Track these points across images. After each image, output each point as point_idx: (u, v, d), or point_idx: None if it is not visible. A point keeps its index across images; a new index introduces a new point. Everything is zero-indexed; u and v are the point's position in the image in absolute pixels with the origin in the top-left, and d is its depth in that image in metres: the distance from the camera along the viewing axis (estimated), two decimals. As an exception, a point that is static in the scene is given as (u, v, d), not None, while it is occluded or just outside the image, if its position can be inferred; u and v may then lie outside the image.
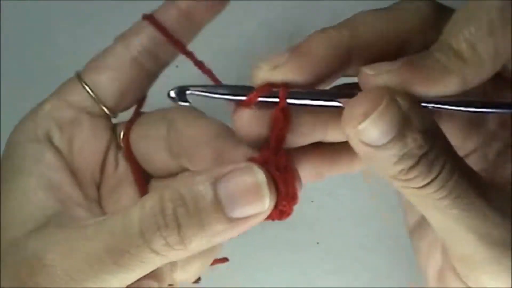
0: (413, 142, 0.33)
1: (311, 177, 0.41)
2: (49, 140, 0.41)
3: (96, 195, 0.44)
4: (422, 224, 0.46)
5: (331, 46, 0.36)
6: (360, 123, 0.33)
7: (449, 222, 0.35)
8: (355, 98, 0.34)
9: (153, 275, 0.43)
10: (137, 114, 0.45)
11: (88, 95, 0.43)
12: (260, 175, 0.35)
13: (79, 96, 0.43)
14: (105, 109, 0.43)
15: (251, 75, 0.36)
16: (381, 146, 0.33)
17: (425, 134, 0.33)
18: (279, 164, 0.36)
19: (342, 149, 0.41)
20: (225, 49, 0.69)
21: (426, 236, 0.45)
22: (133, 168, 0.44)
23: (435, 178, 0.33)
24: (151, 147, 0.43)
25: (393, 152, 0.33)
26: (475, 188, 0.34)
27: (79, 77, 0.43)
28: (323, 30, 0.37)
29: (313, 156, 0.41)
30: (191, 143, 0.41)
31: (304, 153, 0.40)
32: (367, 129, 0.32)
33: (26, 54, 0.65)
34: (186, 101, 0.36)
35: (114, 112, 0.44)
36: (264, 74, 0.36)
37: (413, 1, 0.38)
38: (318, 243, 0.64)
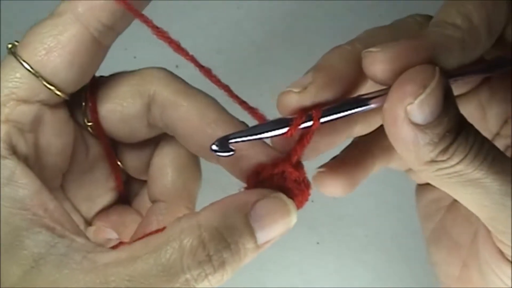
0: (454, 117, 0.33)
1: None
2: (14, 151, 0.36)
3: (60, 183, 0.42)
4: (439, 232, 0.46)
5: (351, 60, 0.36)
6: (411, 102, 0.32)
7: (490, 198, 0.35)
8: (402, 77, 0.33)
9: (116, 227, 0.44)
10: (93, 92, 0.41)
11: (44, 86, 0.37)
12: (290, 204, 0.36)
13: (33, 89, 0.37)
14: (64, 96, 0.38)
15: (279, 101, 0.36)
16: (427, 125, 0.32)
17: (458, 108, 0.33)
18: (299, 177, 0.37)
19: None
20: (224, 48, 0.69)
21: (445, 242, 0.45)
22: (105, 147, 0.42)
23: (471, 149, 0.33)
24: (125, 124, 0.41)
25: (438, 130, 0.32)
26: (507, 158, 0.35)
27: (28, 68, 0.37)
28: (338, 47, 0.37)
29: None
30: (182, 126, 0.40)
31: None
32: (419, 107, 0.32)
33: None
34: (231, 150, 0.36)
35: (70, 94, 0.39)
36: (295, 99, 0.35)
37: (414, 17, 0.39)
38: (318, 243, 0.64)
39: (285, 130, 0.35)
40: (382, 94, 0.35)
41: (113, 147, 0.43)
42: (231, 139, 0.35)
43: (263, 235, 0.35)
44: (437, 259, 0.46)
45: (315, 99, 0.35)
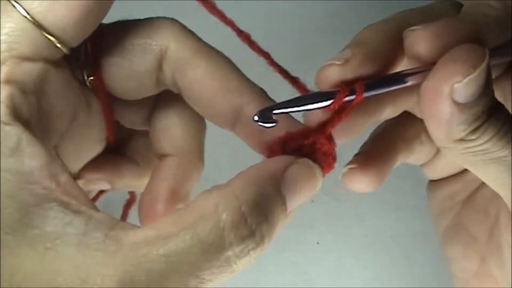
0: (491, 99, 0.33)
1: None
2: (17, 116, 0.32)
3: (55, 143, 0.37)
4: (455, 227, 0.45)
5: (387, 36, 0.36)
6: (460, 80, 0.32)
7: (510, 174, 0.35)
8: (450, 54, 0.33)
9: (109, 177, 0.43)
10: (96, 43, 0.37)
11: (48, 41, 0.33)
12: (317, 169, 0.35)
13: (36, 44, 0.33)
14: (67, 50, 0.34)
15: (319, 74, 0.35)
16: (466, 104, 0.32)
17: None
18: (330, 149, 0.36)
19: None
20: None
21: (462, 237, 0.44)
22: (104, 105, 0.39)
23: (500, 129, 0.33)
24: (131, 81, 0.37)
25: (474, 110, 0.32)
26: None
27: (31, 19, 0.32)
28: (372, 24, 0.37)
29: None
30: (198, 90, 0.37)
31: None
32: (466, 87, 0.32)
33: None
34: (274, 121, 0.34)
35: (72, 46, 0.35)
36: (337, 72, 0.34)
37: (443, 2, 0.39)
38: (318, 243, 0.64)
39: (328, 102, 0.34)
40: (419, 71, 0.34)
41: (112, 100, 0.40)
42: (275, 109, 0.34)
43: (293, 203, 0.33)
44: (453, 255, 0.45)
45: (356, 72, 0.34)
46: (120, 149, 0.44)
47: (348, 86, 0.34)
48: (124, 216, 0.50)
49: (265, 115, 0.34)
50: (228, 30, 0.37)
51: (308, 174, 0.35)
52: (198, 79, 0.37)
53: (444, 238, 0.46)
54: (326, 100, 0.34)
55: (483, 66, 0.32)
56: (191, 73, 0.37)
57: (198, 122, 0.41)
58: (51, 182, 0.30)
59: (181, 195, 0.41)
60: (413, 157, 0.43)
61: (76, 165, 0.41)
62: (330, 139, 0.36)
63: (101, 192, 0.45)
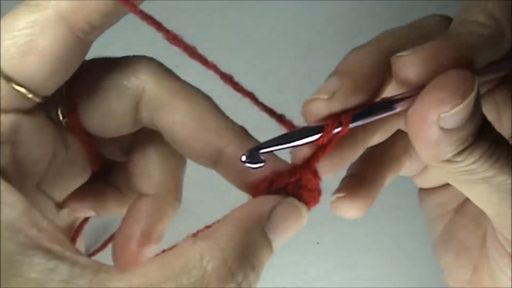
0: (478, 122, 0.32)
1: None
2: None
3: (35, 183, 0.37)
4: (447, 235, 0.45)
5: (375, 62, 0.35)
6: (446, 111, 0.31)
7: (498, 195, 0.34)
8: (437, 81, 0.32)
9: (93, 205, 0.42)
10: (70, 83, 0.36)
11: (19, 93, 0.33)
12: (302, 208, 0.35)
13: (7, 96, 0.32)
14: (40, 100, 0.34)
15: (305, 109, 0.34)
16: (453, 130, 0.32)
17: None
18: (315, 185, 0.36)
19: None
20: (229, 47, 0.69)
21: (454, 245, 0.44)
22: (83, 143, 0.38)
23: (487, 151, 0.33)
24: (107, 121, 0.37)
25: (461, 134, 0.32)
26: None
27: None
28: (359, 48, 0.36)
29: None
30: (177, 131, 0.36)
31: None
32: (453, 116, 0.31)
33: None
34: (262, 161, 0.34)
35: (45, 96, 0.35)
36: (323, 106, 0.34)
37: (432, 17, 0.38)
38: (318, 243, 0.64)
39: (317, 137, 0.34)
40: (407, 96, 0.34)
41: (90, 136, 0.39)
42: (262, 148, 0.34)
43: (278, 243, 0.34)
44: (446, 263, 0.45)
45: (344, 105, 0.34)
46: (104, 176, 0.44)
47: (336, 118, 0.34)
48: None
49: (253, 155, 0.34)
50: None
51: (294, 214, 0.35)
52: (176, 121, 0.36)
53: (437, 245, 0.46)
54: (314, 135, 0.34)
55: (472, 96, 0.31)
56: (169, 115, 0.36)
57: (177, 158, 0.41)
58: (32, 229, 0.30)
59: (154, 236, 0.41)
60: (403, 171, 0.42)
61: (60, 196, 0.41)
62: (315, 174, 0.36)
63: (87, 219, 0.45)
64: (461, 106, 0.31)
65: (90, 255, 0.55)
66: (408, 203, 0.66)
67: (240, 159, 0.34)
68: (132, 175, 0.41)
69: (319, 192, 0.36)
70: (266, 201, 0.34)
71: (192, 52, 0.35)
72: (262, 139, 0.35)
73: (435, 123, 0.31)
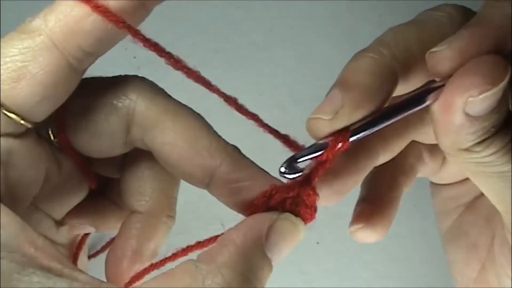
0: (504, 114, 0.32)
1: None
2: None
3: (30, 202, 0.37)
4: (457, 230, 0.45)
5: (379, 71, 0.34)
6: (475, 95, 0.30)
7: (510, 190, 0.34)
8: (469, 65, 0.31)
9: (92, 221, 0.42)
10: (62, 115, 0.36)
11: (10, 119, 0.32)
12: (300, 224, 0.35)
13: None
14: (32, 125, 0.34)
15: (309, 127, 0.34)
16: (478, 117, 0.31)
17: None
18: (314, 201, 0.36)
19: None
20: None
21: (463, 242, 0.44)
22: (76, 162, 0.38)
23: (506, 144, 0.32)
24: (98, 142, 0.36)
25: (485, 124, 0.31)
26: None
27: None
28: (362, 55, 0.34)
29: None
30: (168, 152, 0.36)
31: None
32: (480, 102, 0.31)
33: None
34: (300, 170, 0.34)
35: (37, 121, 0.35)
36: (327, 127, 0.34)
37: (441, 8, 0.36)
38: (318, 243, 0.64)
39: (321, 153, 0.34)
40: (408, 109, 0.34)
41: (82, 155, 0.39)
42: (299, 158, 0.34)
43: (277, 260, 0.34)
44: (454, 258, 0.45)
45: (347, 123, 0.34)
46: (103, 192, 0.43)
47: (340, 134, 0.34)
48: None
49: (291, 165, 0.34)
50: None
51: (292, 231, 0.35)
52: (167, 142, 0.36)
53: (446, 239, 0.46)
54: (320, 150, 0.34)
55: (502, 84, 0.31)
56: (159, 136, 0.36)
57: (170, 176, 0.40)
58: (30, 248, 0.30)
59: (146, 254, 0.40)
60: (420, 173, 0.42)
61: (59, 213, 0.41)
62: (314, 190, 0.35)
63: (87, 235, 0.44)
64: (490, 92, 0.30)
65: (91, 256, 0.55)
66: (408, 203, 0.65)
67: (279, 171, 0.34)
68: (124, 192, 0.40)
69: (315, 209, 0.36)
70: (264, 219, 0.34)
71: (196, 76, 0.35)
72: (261, 150, 0.35)
73: (461, 107, 0.31)
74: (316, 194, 0.35)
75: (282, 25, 0.71)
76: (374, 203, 0.39)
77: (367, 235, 0.39)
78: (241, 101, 0.36)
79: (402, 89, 0.35)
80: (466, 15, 0.36)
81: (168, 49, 0.34)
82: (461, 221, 0.44)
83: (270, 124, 0.37)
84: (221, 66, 0.67)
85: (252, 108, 0.37)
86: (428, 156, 0.41)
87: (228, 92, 0.36)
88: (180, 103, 0.37)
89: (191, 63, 0.35)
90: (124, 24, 0.31)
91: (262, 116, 0.37)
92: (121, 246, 0.40)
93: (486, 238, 0.42)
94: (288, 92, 0.67)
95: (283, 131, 0.37)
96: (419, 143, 0.40)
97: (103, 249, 0.56)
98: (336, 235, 0.64)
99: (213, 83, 0.35)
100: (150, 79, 0.37)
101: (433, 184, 0.46)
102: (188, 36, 0.69)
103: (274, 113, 0.65)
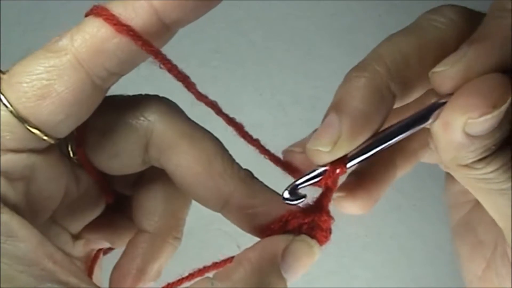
0: (505, 133, 0.31)
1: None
2: (4, 202, 0.32)
3: (48, 217, 0.38)
4: (465, 226, 0.44)
5: (376, 94, 0.33)
6: (474, 117, 0.30)
7: (510, 208, 0.34)
8: (470, 85, 0.31)
9: (107, 236, 0.43)
10: (83, 133, 0.37)
11: (33, 135, 0.33)
12: (316, 247, 0.36)
13: (22, 137, 0.33)
14: (54, 141, 0.34)
15: (310, 157, 0.35)
16: (478, 137, 0.31)
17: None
18: (327, 225, 0.37)
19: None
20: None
21: (469, 238, 0.43)
22: (94, 178, 0.39)
23: (507, 162, 0.32)
24: (116, 160, 0.37)
25: (486, 143, 0.31)
26: None
27: (17, 115, 0.32)
28: (357, 76, 0.34)
29: None
30: (183, 174, 0.36)
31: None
32: (480, 124, 0.30)
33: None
34: (302, 196, 0.35)
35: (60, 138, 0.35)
36: (329, 157, 0.34)
37: (441, 12, 0.35)
38: (318, 243, 0.64)
39: (318, 180, 0.35)
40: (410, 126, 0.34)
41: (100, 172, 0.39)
42: (300, 184, 0.35)
43: (292, 279, 0.34)
44: (461, 253, 0.45)
45: (346, 152, 0.34)
46: (119, 208, 0.44)
47: (337, 164, 0.34)
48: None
49: (294, 192, 0.35)
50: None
51: (308, 252, 0.36)
52: (182, 164, 0.36)
53: (454, 233, 0.46)
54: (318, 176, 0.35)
55: (504, 107, 0.30)
56: (175, 158, 0.36)
57: (182, 198, 0.40)
58: (48, 262, 0.31)
59: (150, 273, 0.41)
60: (425, 159, 0.42)
61: (76, 228, 0.41)
62: (328, 214, 0.36)
63: (101, 250, 0.45)
64: (491, 115, 0.30)
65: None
66: (408, 203, 0.66)
67: (282, 197, 0.35)
68: (135, 210, 0.41)
69: (330, 231, 0.37)
70: (280, 240, 0.35)
71: (209, 102, 0.35)
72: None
73: (460, 127, 0.31)
74: (331, 218, 0.36)
75: (282, 25, 0.71)
76: (361, 179, 0.39)
77: (348, 205, 0.39)
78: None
79: (399, 103, 0.35)
80: (468, 18, 0.35)
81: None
82: (470, 217, 0.44)
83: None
84: (221, 66, 0.67)
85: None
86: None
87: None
88: (197, 125, 0.37)
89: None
90: (151, 48, 0.32)
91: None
92: (127, 264, 0.40)
93: (492, 236, 0.42)
94: (288, 92, 0.67)
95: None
96: (428, 129, 0.40)
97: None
98: (336, 235, 0.64)
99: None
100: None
101: (447, 175, 0.46)
102: (188, 36, 0.69)
103: (274, 113, 0.65)
